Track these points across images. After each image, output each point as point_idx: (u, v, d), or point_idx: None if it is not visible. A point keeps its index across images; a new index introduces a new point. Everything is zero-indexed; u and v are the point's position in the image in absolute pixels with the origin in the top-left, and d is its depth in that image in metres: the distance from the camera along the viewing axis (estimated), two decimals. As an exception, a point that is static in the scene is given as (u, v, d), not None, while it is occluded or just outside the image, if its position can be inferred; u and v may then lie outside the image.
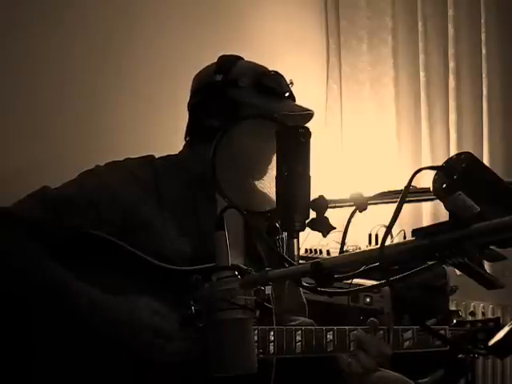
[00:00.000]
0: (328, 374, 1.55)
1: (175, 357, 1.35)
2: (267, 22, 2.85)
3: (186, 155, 1.59)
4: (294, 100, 1.58)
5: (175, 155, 1.61)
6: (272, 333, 1.42)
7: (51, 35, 2.11)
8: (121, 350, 1.34)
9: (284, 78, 1.58)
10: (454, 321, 1.55)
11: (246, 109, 1.49)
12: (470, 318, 1.58)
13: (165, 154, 1.61)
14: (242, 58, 1.60)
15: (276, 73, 1.57)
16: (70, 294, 1.34)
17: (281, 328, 1.43)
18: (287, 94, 1.55)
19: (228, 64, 1.56)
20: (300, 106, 1.56)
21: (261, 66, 1.59)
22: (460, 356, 1.61)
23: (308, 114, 1.55)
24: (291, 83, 1.58)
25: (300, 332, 1.44)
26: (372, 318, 1.53)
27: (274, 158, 0.96)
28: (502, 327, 1.56)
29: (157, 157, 1.59)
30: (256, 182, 1.52)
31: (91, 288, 1.34)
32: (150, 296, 1.37)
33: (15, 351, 1.37)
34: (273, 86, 1.53)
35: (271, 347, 1.41)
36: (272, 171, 0.94)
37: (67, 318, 1.34)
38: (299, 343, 1.44)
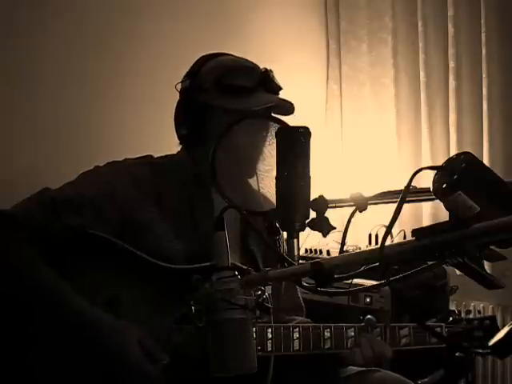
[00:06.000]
0: (325, 371, 1.55)
1: None
2: (267, 23, 2.85)
3: (182, 156, 1.60)
4: (271, 88, 1.52)
5: (173, 155, 1.61)
6: (270, 330, 1.42)
7: (51, 35, 2.11)
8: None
9: (254, 70, 1.53)
10: (450, 318, 1.55)
11: (212, 111, 1.50)
12: (466, 316, 1.59)
13: (164, 154, 1.62)
14: (222, 55, 1.58)
15: (242, 67, 1.53)
16: (61, 303, 1.34)
17: (278, 325, 1.44)
18: (257, 86, 1.50)
19: (197, 66, 1.55)
20: (272, 96, 1.52)
21: (232, 61, 1.56)
22: (458, 354, 1.61)
23: (284, 104, 1.51)
24: (265, 71, 1.53)
25: (297, 329, 1.45)
26: (369, 316, 1.53)
27: (267, 154, 0.97)
28: (497, 325, 1.57)
29: (156, 157, 1.60)
30: (255, 182, 1.53)
31: (84, 301, 1.34)
32: (150, 296, 1.38)
33: (12, 350, 1.37)
34: (236, 83, 1.49)
35: (269, 344, 1.42)
36: (272, 171, 0.93)
37: (58, 326, 1.35)
38: (297, 340, 1.44)
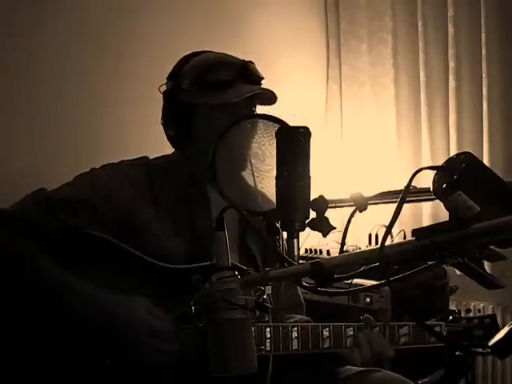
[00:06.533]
0: (324, 370, 1.55)
1: (169, 358, 1.35)
2: (268, 23, 2.85)
3: (177, 156, 1.61)
4: (251, 79, 1.51)
5: (169, 156, 1.62)
6: (268, 330, 1.42)
7: (51, 35, 2.11)
8: (117, 347, 1.35)
9: (231, 63, 1.52)
10: (450, 317, 1.55)
11: (196, 110, 1.51)
12: (466, 315, 1.58)
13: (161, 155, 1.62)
14: (203, 53, 1.57)
15: (220, 62, 1.53)
16: (67, 289, 1.35)
17: (277, 325, 1.44)
18: (236, 78, 1.50)
19: (178, 67, 1.55)
20: (253, 86, 1.51)
21: (211, 57, 1.55)
22: (458, 353, 1.61)
23: (266, 93, 1.51)
24: (243, 63, 1.52)
25: (296, 329, 1.45)
26: (366, 315, 1.53)
27: (267, 154, 0.97)
28: (497, 324, 1.57)
29: (151, 158, 1.61)
30: (251, 180, 1.52)
31: (88, 284, 1.35)
32: (149, 296, 1.38)
33: (12, 343, 1.37)
34: (214, 78, 1.49)
35: (267, 344, 1.42)
36: (272, 171, 0.94)
37: (64, 313, 1.35)
38: (295, 340, 1.44)
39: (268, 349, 1.42)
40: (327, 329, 1.47)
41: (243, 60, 1.54)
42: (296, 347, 1.44)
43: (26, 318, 1.38)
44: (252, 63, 1.54)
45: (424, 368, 1.90)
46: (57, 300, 1.35)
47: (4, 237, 1.39)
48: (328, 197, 0.93)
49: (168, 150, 1.61)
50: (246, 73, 1.51)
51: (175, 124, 1.55)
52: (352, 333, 1.49)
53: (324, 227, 0.90)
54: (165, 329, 1.35)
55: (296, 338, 1.44)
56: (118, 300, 1.35)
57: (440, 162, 0.76)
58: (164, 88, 1.56)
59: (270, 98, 1.52)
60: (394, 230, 2.54)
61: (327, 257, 2.30)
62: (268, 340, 1.41)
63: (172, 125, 1.55)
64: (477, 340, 1.51)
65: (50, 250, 1.38)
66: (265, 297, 1.15)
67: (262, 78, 1.54)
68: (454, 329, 1.54)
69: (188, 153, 1.57)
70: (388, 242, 0.79)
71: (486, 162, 2.51)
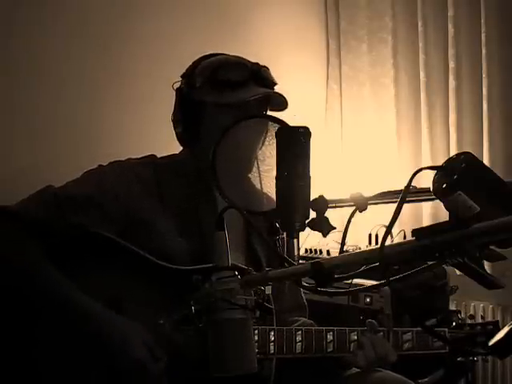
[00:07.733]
0: (327, 374, 1.55)
1: None
2: (268, 23, 2.84)
3: (184, 155, 1.61)
4: (263, 82, 1.52)
5: (176, 155, 1.62)
6: (272, 333, 1.42)
7: (51, 35, 2.11)
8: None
9: (244, 65, 1.53)
10: (454, 323, 1.55)
11: (206, 108, 1.51)
12: (469, 321, 1.58)
13: (166, 154, 1.62)
14: (218, 55, 1.58)
15: (233, 63, 1.53)
16: (69, 302, 1.35)
17: (281, 328, 1.43)
18: (248, 80, 1.50)
19: (192, 66, 1.56)
20: (264, 89, 1.51)
21: (224, 58, 1.55)
22: (459, 359, 1.60)
23: (276, 98, 1.51)
24: (256, 66, 1.53)
25: (300, 332, 1.44)
26: (370, 320, 1.53)
27: (267, 154, 0.97)
28: (500, 330, 1.56)
29: (159, 157, 1.61)
30: (258, 181, 1.53)
31: (86, 299, 1.35)
32: (153, 296, 1.37)
33: (17, 345, 1.37)
34: (226, 77, 1.50)
35: (271, 347, 1.42)
36: (272, 171, 0.94)
37: (60, 323, 1.35)
38: (299, 343, 1.44)
39: (272, 352, 1.41)
40: (331, 333, 1.47)
41: (257, 63, 1.54)
42: (300, 351, 1.44)
43: (32, 321, 1.37)
44: (266, 68, 1.55)
45: (424, 368, 1.90)
46: (53, 307, 1.35)
47: (7, 238, 1.39)
48: (328, 197, 0.92)
49: (168, 149, 1.61)
50: (258, 75, 1.52)
51: (184, 121, 1.55)
52: (356, 337, 1.49)
53: (324, 227, 0.90)
54: (155, 371, 1.33)
55: (300, 341, 1.44)
56: (113, 323, 1.35)
57: (440, 162, 0.76)
58: (177, 85, 1.56)
59: (280, 103, 1.52)
60: (394, 230, 2.54)
61: (327, 257, 2.30)
62: (272, 343, 1.41)
63: (181, 122, 1.55)
64: (480, 347, 1.51)
65: (55, 249, 1.38)
66: (266, 296, 1.15)
67: (275, 84, 1.55)
68: (456, 335, 1.53)
69: (196, 151, 1.57)
70: (388, 242, 0.79)
71: (486, 162, 2.50)
